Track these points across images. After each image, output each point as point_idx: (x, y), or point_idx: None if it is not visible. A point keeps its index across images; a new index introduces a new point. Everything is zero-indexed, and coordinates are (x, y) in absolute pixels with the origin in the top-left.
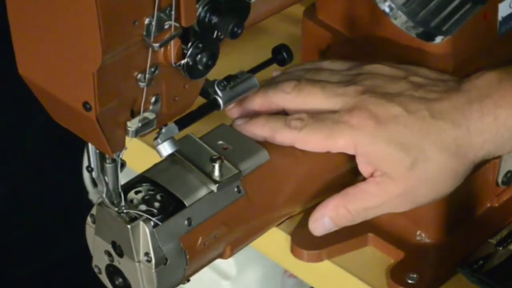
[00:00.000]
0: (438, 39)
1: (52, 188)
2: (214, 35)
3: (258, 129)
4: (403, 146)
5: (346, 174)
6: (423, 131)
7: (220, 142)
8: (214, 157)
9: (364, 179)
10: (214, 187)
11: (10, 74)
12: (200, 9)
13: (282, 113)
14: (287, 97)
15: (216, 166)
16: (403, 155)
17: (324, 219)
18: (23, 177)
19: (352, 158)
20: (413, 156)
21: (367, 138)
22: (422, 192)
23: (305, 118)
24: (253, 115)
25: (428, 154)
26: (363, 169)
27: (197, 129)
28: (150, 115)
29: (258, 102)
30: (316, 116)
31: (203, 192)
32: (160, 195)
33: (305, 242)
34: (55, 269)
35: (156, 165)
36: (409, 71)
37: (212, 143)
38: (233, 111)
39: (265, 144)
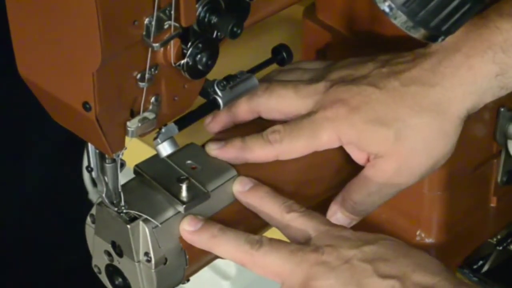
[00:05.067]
0: (438, 39)
1: (52, 188)
2: (214, 35)
3: (236, 153)
4: (382, 121)
5: (346, 171)
6: (397, 101)
7: (189, 161)
8: (182, 177)
9: None
10: (181, 208)
11: (10, 74)
12: (200, 9)
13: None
14: (260, 100)
15: (184, 186)
16: (384, 130)
17: (337, 216)
18: (22, 177)
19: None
20: (395, 128)
21: (346, 125)
22: (417, 160)
23: (281, 128)
24: (232, 126)
25: (408, 121)
26: (356, 157)
27: (197, 129)
28: (150, 115)
29: (235, 111)
30: (291, 123)
31: (170, 213)
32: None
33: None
34: (55, 269)
35: (124, 185)
36: (376, 55)
37: (180, 162)
38: (211, 125)
39: None
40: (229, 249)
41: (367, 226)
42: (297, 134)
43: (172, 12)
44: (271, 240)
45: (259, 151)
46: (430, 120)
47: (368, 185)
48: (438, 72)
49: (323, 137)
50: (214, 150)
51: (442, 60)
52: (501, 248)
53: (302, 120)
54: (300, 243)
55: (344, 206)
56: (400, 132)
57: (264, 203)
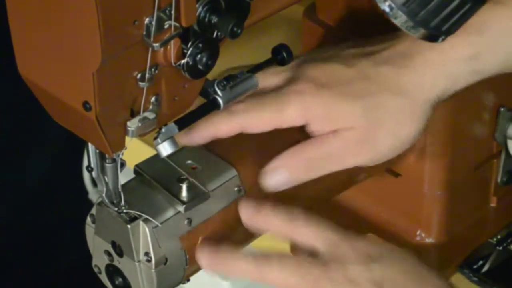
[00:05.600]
0: (438, 39)
1: (52, 188)
2: (214, 35)
3: (202, 132)
4: (350, 96)
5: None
6: (367, 79)
7: (189, 161)
8: (182, 177)
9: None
10: (181, 208)
11: (10, 74)
12: (200, 9)
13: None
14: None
15: (184, 186)
16: (352, 105)
17: (278, 171)
18: (22, 177)
19: None
20: (363, 102)
21: (314, 100)
22: (382, 137)
23: (246, 100)
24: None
25: (377, 98)
26: (319, 130)
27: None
28: (150, 115)
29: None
30: (257, 95)
31: (170, 213)
32: None
33: None
34: (55, 269)
35: (124, 185)
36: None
37: (180, 162)
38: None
39: (267, 145)
40: (238, 268)
41: (367, 226)
42: (262, 106)
43: (172, 12)
44: (279, 255)
45: (223, 124)
46: (399, 101)
47: (326, 147)
48: (409, 54)
49: (289, 110)
50: (182, 139)
51: (414, 42)
52: (501, 248)
53: (269, 93)
54: (309, 254)
55: (290, 162)
56: (368, 107)
57: (269, 223)
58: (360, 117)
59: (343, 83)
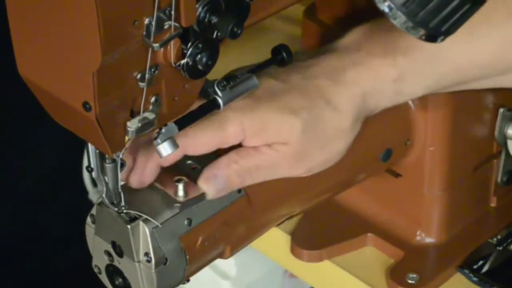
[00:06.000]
0: (438, 39)
1: (52, 188)
2: (214, 35)
3: (148, 170)
4: (290, 110)
5: (346, 172)
6: (301, 93)
7: (189, 161)
8: (181, 177)
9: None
10: (177, 208)
11: (10, 74)
12: (200, 9)
13: None
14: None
15: (180, 186)
16: (292, 119)
17: (217, 178)
18: (22, 177)
19: None
20: (302, 117)
21: (251, 116)
22: (315, 152)
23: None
24: None
25: (313, 112)
26: (256, 145)
27: None
28: (150, 115)
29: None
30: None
31: (170, 213)
32: None
33: (305, 242)
34: (55, 269)
35: (124, 185)
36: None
37: (180, 162)
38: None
39: None
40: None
41: (367, 226)
42: (202, 127)
43: (172, 12)
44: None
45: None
46: (333, 116)
47: (261, 158)
48: (341, 69)
49: (229, 128)
50: (133, 181)
51: (345, 58)
52: (501, 248)
53: (210, 116)
54: None
55: (227, 169)
56: (304, 123)
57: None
58: (296, 133)
59: (279, 97)
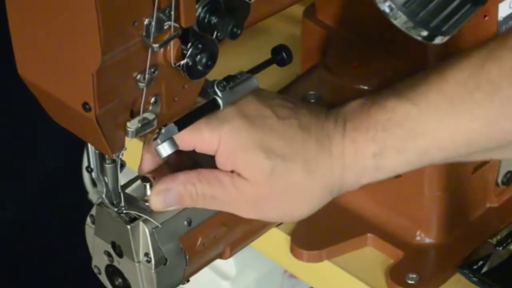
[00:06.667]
0: (438, 39)
1: (52, 188)
2: (214, 36)
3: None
4: (267, 150)
5: None
6: (289, 139)
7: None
8: (145, 177)
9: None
10: (180, 208)
11: (10, 74)
12: (199, 9)
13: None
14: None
15: (148, 186)
16: (265, 161)
17: (169, 193)
18: (22, 177)
19: None
20: (275, 163)
21: (232, 133)
22: (272, 204)
23: None
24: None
25: (289, 164)
26: (222, 163)
27: None
28: (150, 116)
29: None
30: None
31: (170, 213)
32: None
33: (305, 242)
34: (55, 269)
35: (124, 185)
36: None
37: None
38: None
39: None
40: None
41: (367, 226)
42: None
43: (172, 12)
44: None
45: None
46: (307, 179)
47: (219, 191)
48: (331, 134)
49: (205, 133)
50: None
51: (337, 126)
52: (501, 248)
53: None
54: None
55: (182, 188)
56: (277, 168)
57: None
58: (262, 175)
59: (267, 131)
